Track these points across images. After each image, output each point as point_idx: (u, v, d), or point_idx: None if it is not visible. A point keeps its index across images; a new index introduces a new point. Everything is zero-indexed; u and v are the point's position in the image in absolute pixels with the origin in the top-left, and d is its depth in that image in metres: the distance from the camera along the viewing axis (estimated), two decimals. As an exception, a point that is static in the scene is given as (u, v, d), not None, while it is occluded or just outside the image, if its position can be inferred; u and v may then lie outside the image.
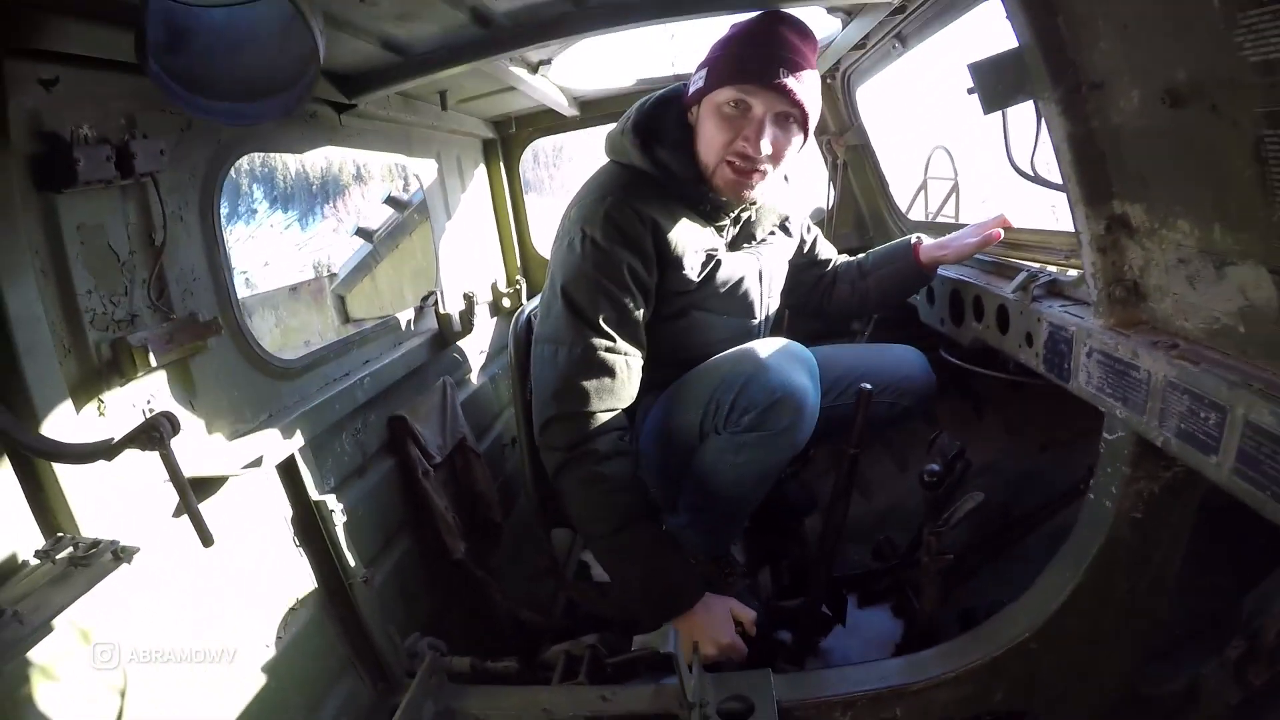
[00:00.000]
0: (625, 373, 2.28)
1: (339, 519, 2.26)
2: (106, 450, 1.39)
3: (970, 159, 3.03)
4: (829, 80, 3.91)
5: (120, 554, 1.41)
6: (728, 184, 2.35)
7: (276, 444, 2.09)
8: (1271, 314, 1.50)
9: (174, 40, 1.42)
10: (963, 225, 2.91)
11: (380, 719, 2.17)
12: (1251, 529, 1.57)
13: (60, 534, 1.48)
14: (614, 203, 2.27)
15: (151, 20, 1.33)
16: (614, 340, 2.26)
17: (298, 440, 2.18)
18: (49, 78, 1.57)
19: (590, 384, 2.22)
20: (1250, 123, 1.35)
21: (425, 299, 3.52)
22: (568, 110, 4.08)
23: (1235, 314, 1.60)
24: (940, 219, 3.76)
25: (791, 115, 2.31)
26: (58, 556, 1.39)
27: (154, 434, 1.38)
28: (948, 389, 3.54)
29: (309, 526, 2.22)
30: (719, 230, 2.52)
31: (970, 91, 1.97)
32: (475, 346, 3.80)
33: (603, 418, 2.24)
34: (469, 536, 2.91)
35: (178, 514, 1.73)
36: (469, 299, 3.66)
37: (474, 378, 3.76)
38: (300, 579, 2.15)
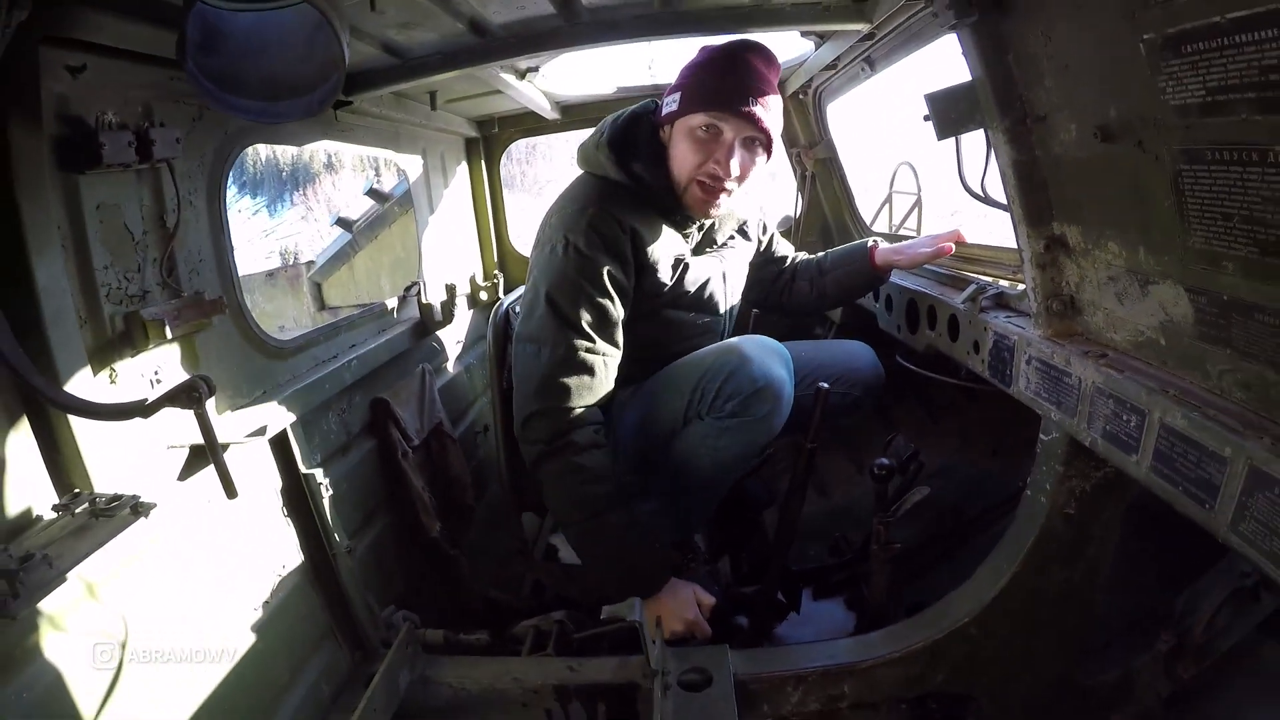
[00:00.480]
0: (603, 371, 2.44)
1: (325, 493, 2.37)
2: (144, 409, 1.50)
3: (937, 175, 3.20)
4: (801, 96, 4.10)
5: (139, 509, 1.53)
6: (697, 201, 2.55)
7: (273, 417, 2.21)
8: (1188, 328, 1.68)
9: (208, 40, 1.53)
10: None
11: (358, 686, 2.26)
12: (1182, 531, 1.71)
13: (77, 490, 1.59)
14: (596, 212, 2.43)
15: (191, 21, 1.44)
16: (594, 341, 2.41)
17: (290, 416, 2.30)
18: (77, 65, 1.67)
19: (571, 381, 2.38)
20: (1170, 159, 1.53)
21: (409, 289, 3.64)
22: (550, 114, 4.22)
23: (1157, 328, 1.78)
24: (903, 231, 3.94)
25: (758, 139, 2.52)
26: (76, 510, 1.51)
27: (194, 394, 1.50)
28: (905, 394, 3.72)
29: (297, 499, 2.32)
30: (685, 236, 2.71)
31: (926, 119, 2.15)
32: (453, 336, 3.93)
33: (581, 413, 2.39)
34: (443, 517, 3.04)
35: (183, 476, 1.85)
36: (450, 290, 3.80)
37: (451, 366, 3.89)
38: (287, 548, 2.25)
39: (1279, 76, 1.23)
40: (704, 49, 2.54)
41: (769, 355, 2.47)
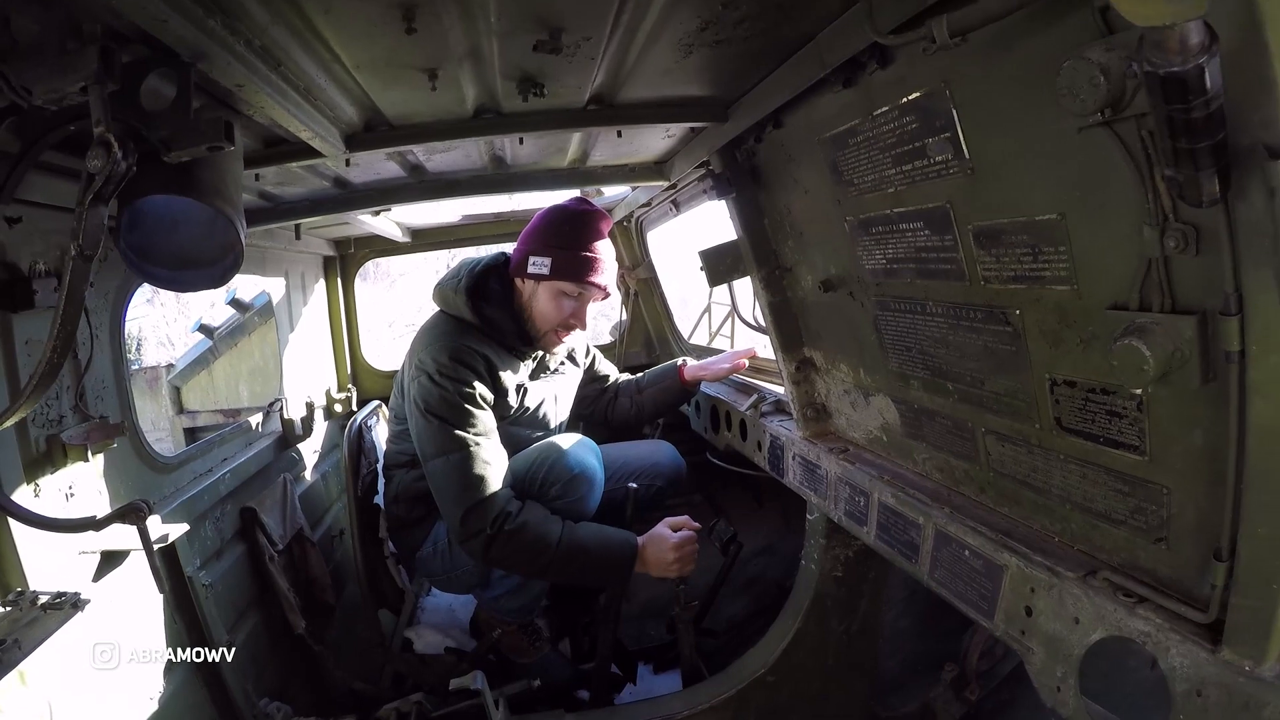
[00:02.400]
0: (499, 457, 2.87)
1: (206, 594, 2.63)
2: (95, 524, 1.83)
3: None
4: (625, 224, 4.74)
5: (78, 604, 1.82)
6: (550, 343, 3.11)
7: (167, 527, 2.47)
8: (898, 428, 2.26)
9: (131, 218, 1.87)
10: (726, 349, 3.71)
11: None
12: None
13: (20, 589, 1.88)
14: (460, 345, 2.89)
15: (124, 212, 1.79)
16: (482, 439, 2.83)
17: (182, 525, 2.53)
18: (14, 216, 1.96)
19: (480, 474, 2.77)
20: (870, 306, 2.13)
21: (271, 405, 3.91)
22: (402, 238, 4.66)
23: (880, 427, 2.36)
24: (720, 336, 4.53)
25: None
26: (26, 605, 1.80)
27: (139, 513, 1.84)
28: (731, 482, 4.24)
29: (181, 599, 2.57)
30: (524, 366, 3.20)
31: (700, 269, 2.72)
32: (311, 447, 4.19)
33: (498, 492, 2.78)
34: (307, 615, 3.27)
35: (96, 578, 2.14)
36: (309, 407, 4.12)
37: (308, 474, 4.12)
38: (175, 643, 2.48)
39: (927, 254, 1.81)
40: (561, 214, 3.07)
41: (582, 448, 3.01)
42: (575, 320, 3.09)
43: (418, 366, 2.92)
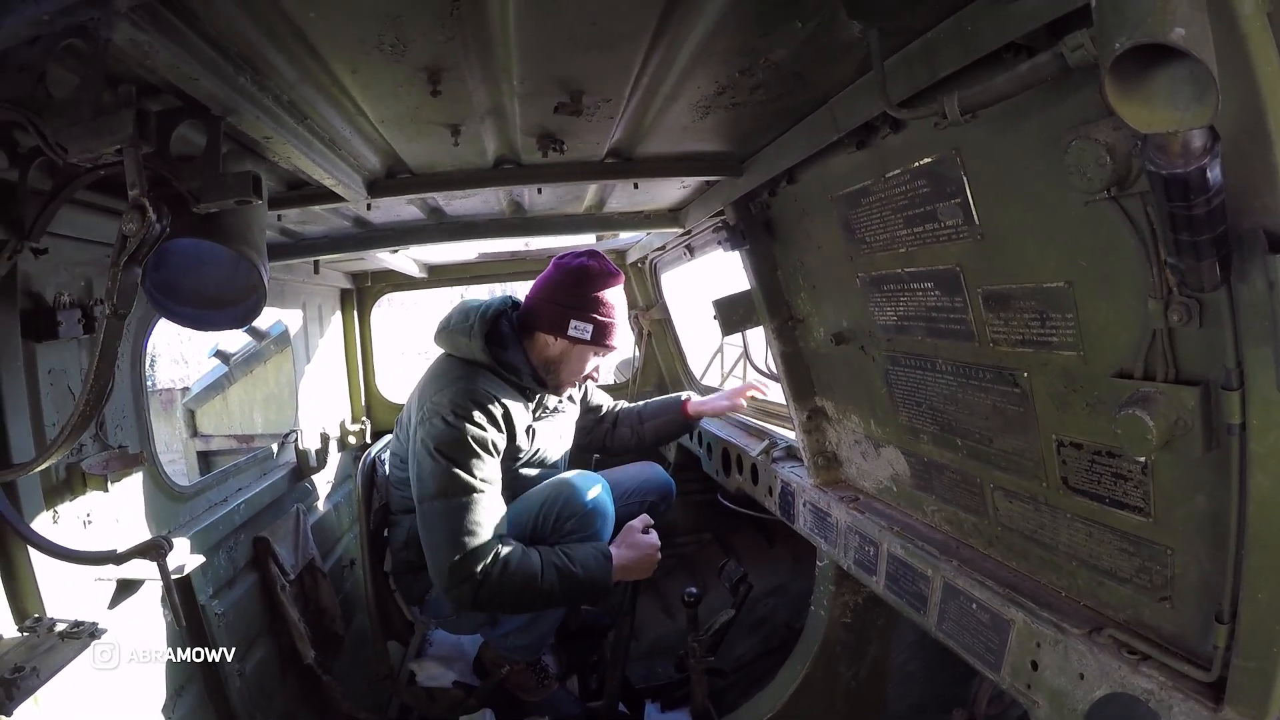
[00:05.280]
0: (498, 507, 2.90)
1: (218, 622, 2.67)
2: (116, 558, 1.87)
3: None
4: (639, 265, 4.79)
5: (95, 633, 1.86)
6: (566, 389, 3.25)
7: (183, 557, 2.51)
8: (907, 479, 2.28)
9: (157, 257, 1.91)
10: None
11: None
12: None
13: (38, 615, 1.91)
14: (476, 388, 2.94)
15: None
16: (486, 489, 2.86)
17: (198, 557, 2.60)
18: (41, 247, 1.93)
19: (475, 523, 2.79)
20: (881, 361, 2.15)
21: (286, 436, 3.97)
22: (419, 274, 4.73)
23: (890, 477, 2.38)
24: (733, 377, 4.57)
25: None
26: (42, 632, 1.83)
27: (160, 550, 1.88)
28: (742, 523, 4.25)
29: (195, 627, 2.61)
30: (530, 407, 3.24)
31: (714, 318, 2.76)
32: (324, 477, 4.24)
33: (489, 540, 2.80)
34: (316, 645, 3.31)
35: (112, 605, 2.18)
36: (324, 439, 4.16)
37: (321, 504, 4.17)
38: (186, 670, 2.53)
39: (938, 314, 1.84)
40: (596, 281, 3.11)
41: (591, 483, 3.09)
42: (595, 373, 3.30)
43: (431, 408, 2.94)
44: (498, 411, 2.95)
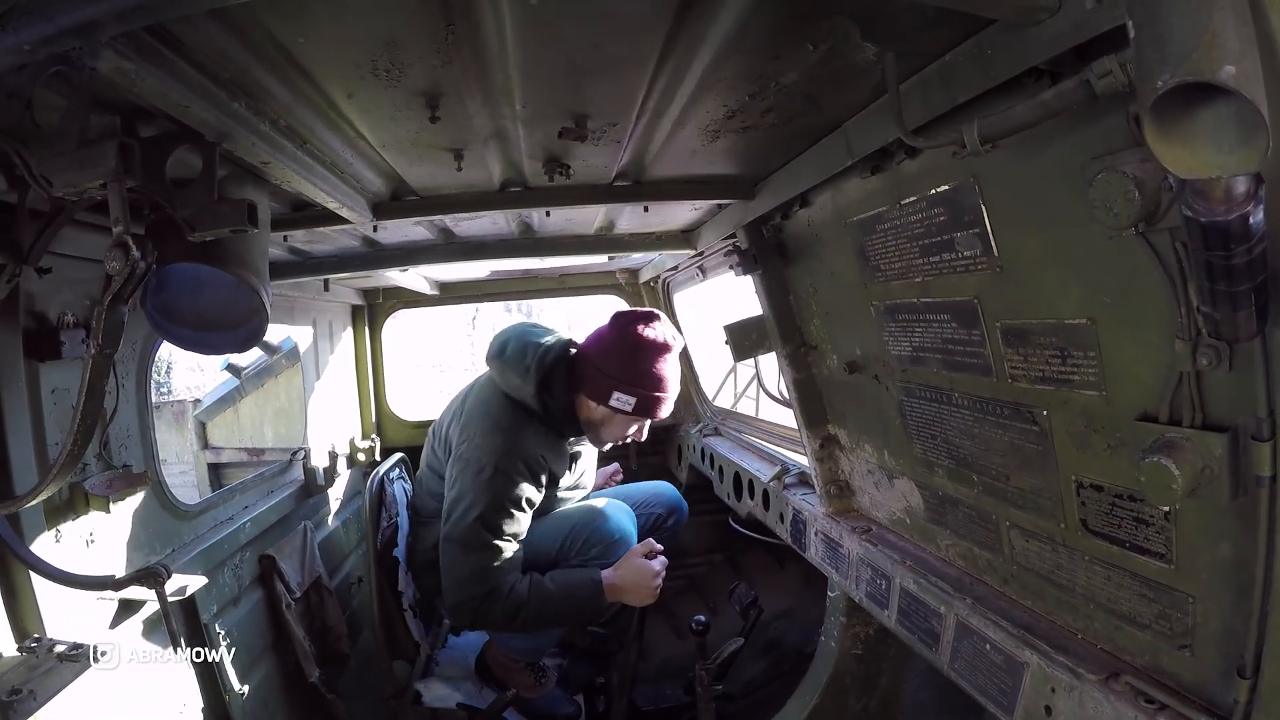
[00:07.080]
0: (517, 558, 2.96)
1: (220, 641, 2.64)
2: (114, 583, 1.84)
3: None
4: (652, 284, 4.74)
5: (96, 656, 1.83)
6: (605, 445, 3.32)
7: (186, 578, 2.49)
8: (921, 512, 2.22)
9: (159, 282, 1.89)
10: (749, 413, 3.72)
11: None
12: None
13: (38, 636, 1.88)
14: (525, 448, 2.99)
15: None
16: (510, 541, 2.92)
17: (200, 579, 2.57)
18: (44, 267, 1.91)
19: (496, 568, 2.88)
20: (895, 391, 2.09)
21: (295, 454, 3.94)
22: (430, 291, 4.69)
23: (903, 509, 2.32)
24: (746, 397, 4.52)
25: None
26: (41, 653, 1.80)
27: (157, 578, 1.85)
28: (752, 545, 4.21)
29: (197, 644, 2.57)
30: (570, 443, 3.28)
31: (726, 343, 2.72)
32: (332, 494, 4.21)
33: (498, 585, 2.88)
34: (321, 664, 3.29)
35: (113, 625, 2.14)
36: (333, 457, 4.14)
37: (329, 521, 4.15)
38: (189, 690, 2.47)
39: (954, 347, 1.78)
40: (649, 352, 3.04)
41: (620, 513, 3.18)
42: (636, 435, 3.27)
43: (475, 450, 2.99)
44: (543, 474, 3.03)
